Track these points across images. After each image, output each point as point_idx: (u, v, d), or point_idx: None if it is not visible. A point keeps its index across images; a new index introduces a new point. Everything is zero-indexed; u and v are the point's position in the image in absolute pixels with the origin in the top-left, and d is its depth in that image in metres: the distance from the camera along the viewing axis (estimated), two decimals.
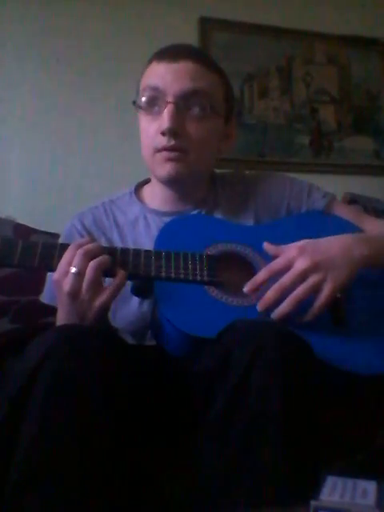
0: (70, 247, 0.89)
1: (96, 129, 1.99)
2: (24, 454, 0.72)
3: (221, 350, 0.80)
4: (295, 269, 0.90)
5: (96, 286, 0.87)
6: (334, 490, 0.58)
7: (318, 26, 2.30)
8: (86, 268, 0.86)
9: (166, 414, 0.91)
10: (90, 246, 0.89)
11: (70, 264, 0.87)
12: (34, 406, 0.74)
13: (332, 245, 0.95)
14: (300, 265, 0.90)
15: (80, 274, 0.86)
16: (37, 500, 0.71)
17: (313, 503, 0.56)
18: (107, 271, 0.89)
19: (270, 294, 0.89)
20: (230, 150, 1.17)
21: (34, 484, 0.71)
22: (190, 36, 2.10)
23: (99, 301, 0.87)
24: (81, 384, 0.75)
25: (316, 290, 0.90)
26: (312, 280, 0.89)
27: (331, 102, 2.34)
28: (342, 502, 0.56)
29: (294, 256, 0.91)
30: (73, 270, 0.86)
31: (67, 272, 0.86)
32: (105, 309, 0.90)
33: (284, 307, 0.88)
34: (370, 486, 0.60)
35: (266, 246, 0.98)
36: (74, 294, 0.86)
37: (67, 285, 0.86)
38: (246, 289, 0.92)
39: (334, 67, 2.36)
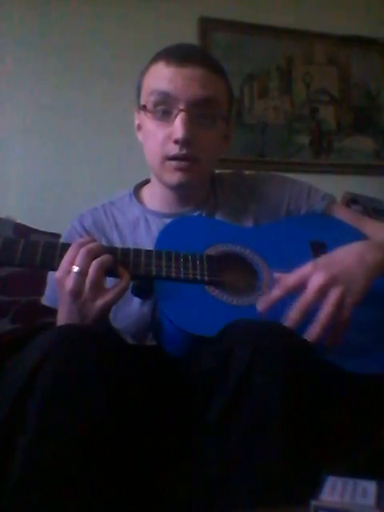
0: (71, 246, 0.89)
1: (96, 129, 1.99)
2: (24, 454, 0.72)
3: (221, 349, 0.80)
4: (313, 285, 0.87)
5: (98, 286, 0.87)
6: (334, 489, 0.58)
7: (318, 26, 2.30)
8: (88, 267, 0.86)
9: (166, 413, 0.91)
10: (92, 245, 0.89)
11: (72, 263, 0.87)
12: (34, 406, 0.74)
13: (345, 255, 0.93)
14: (317, 280, 0.87)
15: (82, 273, 0.86)
16: (37, 500, 0.71)
17: (313, 503, 0.56)
18: (109, 271, 0.89)
19: (292, 315, 0.86)
20: (227, 149, 1.17)
21: (34, 484, 0.71)
22: (190, 36, 2.10)
23: (101, 301, 0.87)
24: (81, 384, 0.75)
25: (340, 305, 0.87)
26: (333, 296, 0.86)
27: (331, 101, 2.34)
28: (342, 502, 0.56)
29: (309, 271, 0.89)
30: (75, 268, 0.86)
31: (69, 271, 0.86)
32: (106, 310, 0.90)
33: (315, 332, 0.85)
34: (370, 486, 0.60)
35: (277, 276, 0.94)
36: (76, 293, 0.86)
37: (69, 283, 0.86)
38: (260, 307, 0.89)
39: (334, 67, 2.36)
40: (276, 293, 0.89)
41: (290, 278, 0.90)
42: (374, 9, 2.35)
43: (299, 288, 0.88)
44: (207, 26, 2.17)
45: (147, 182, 1.18)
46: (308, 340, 0.84)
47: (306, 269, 0.90)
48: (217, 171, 1.21)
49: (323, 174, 2.20)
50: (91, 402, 0.75)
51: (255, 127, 2.22)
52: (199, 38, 2.14)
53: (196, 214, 1.12)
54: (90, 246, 0.88)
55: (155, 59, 1.05)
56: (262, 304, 0.89)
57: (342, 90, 2.36)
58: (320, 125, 2.31)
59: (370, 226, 1.15)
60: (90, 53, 2.02)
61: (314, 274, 0.88)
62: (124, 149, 1.88)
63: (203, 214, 1.12)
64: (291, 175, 1.23)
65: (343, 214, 1.17)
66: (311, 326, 0.85)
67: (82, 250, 0.87)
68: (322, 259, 0.93)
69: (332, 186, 1.33)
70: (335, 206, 1.19)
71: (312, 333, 0.85)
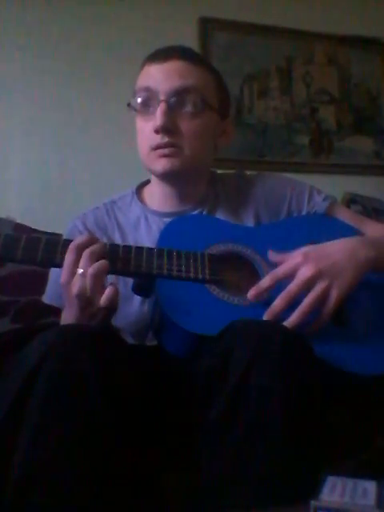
0: (71, 248, 0.88)
1: (96, 129, 1.99)
2: (24, 453, 0.72)
3: (221, 349, 0.80)
4: (300, 277, 0.89)
5: (102, 287, 0.86)
6: (333, 489, 0.59)
7: (318, 26, 2.30)
8: (92, 270, 0.86)
9: (166, 413, 0.91)
10: (94, 247, 0.88)
11: (76, 265, 0.86)
12: (34, 406, 0.74)
13: (336, 249, 0.95)
14: (305, 272, 0.89)
15: (86, 276, 0.86)
16: (37, 500, 0.71)
17: (313, 503, 0.56)
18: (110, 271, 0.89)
19: (277, 303, 0.88)
20: (227, 146, 1.17)
21: (34, 484, 0.71)
22: (190, 36, 2.09)
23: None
24: (80, 384, 0.75)
25: (323, 298, 0.89)
26: (318, 288, 0.89)
27: (331, 101, 2.34)
28: (342, 501, 0.56)
29: (298, 263, 0.91)
30: (80, 271, 0.86)
31: (74, 273, 0.86)
32: (113, 309, 0.90)
33: (293, 320, 0.87)
34: (370, 486, 0.60)
35: (271, 254, 0.98)
36: (83, 295, 0.85)
37: (75, 286, 0.85)
38: (250, 295, 0.91)
39: (334, 67, 2.36)
40: (265, 282, 0.92)
41: (280, 269, 0.92)
42: (374, 9, 2.35)
43: (288, 278, 0.91)
44: (207, 25, 2.16)
45: (149, 181, 1.18)
46: (287, 326, 0.86)
47: (296, 259, 0.92)
48: (218, 171, 1.21)
49: (323, 174, 2.19)
50: (91, 401, 0.75)
51: (255, 127, 2.22)
52: (199, 38, 2.14)
53: (196, 212, 1.12)
54: (93, 248, 0.88)
55: (142, 63, 1.09)
56: (251, 292, 0.91)
57: (342, 90, 2.36)
58: (320, 125, 2.31)
59: (371, 227, 1.15)
60: (89, 53, 2.02)
61: (302, 265, 0.91)
62: (124, 150, 1.87)
63: (203, 213, 1.12)
64: (291, 175, 1.23)
65: (344, 215, 1.17)
66: (292, 314, 0.88)
67: (86, 253, 0.87)
68: (313, 251, 0.94)
69: (332, 186, 1.33)
70: (336, 206, 1.19)
71: (291, 320, 0.87)
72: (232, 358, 0.77)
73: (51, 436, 0.73)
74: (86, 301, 0.86)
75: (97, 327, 0.88)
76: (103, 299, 0.85)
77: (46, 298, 1.11)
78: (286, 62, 2.29)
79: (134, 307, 1.04)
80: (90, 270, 0.85)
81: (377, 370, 0.91)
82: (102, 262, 0.87)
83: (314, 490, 0.58)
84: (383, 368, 0.92)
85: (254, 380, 0.75)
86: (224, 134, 1.14)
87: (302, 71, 2.31)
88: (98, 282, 0.86)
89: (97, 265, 0.86)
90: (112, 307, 0.88)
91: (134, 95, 1.08)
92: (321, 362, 0.85)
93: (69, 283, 0.86)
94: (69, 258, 0.87)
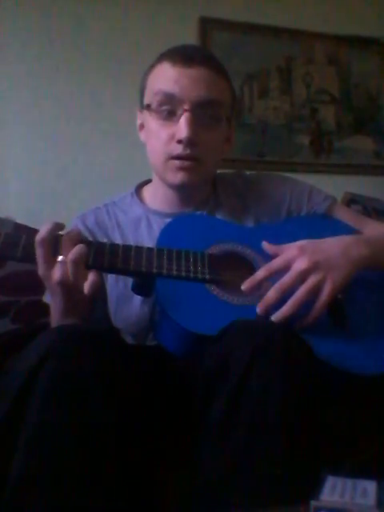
0: (37, 241, 0.87)
1: (96, 129, 1.99)
2: (24, 453, 0.72)
3: (221, 349, 0.80)
4: (295, 269, 0.90)
5: (83, 273, 0.86)
6: (333, 489, 0.59)
7: (318, 26, 2.29)
8: (70, 255, 0.86)
9: (166, 413, 0.91)
10: (70, 233, 0.88)
11: (47, 257, 0.86)
12: (34, 405, 0.74)
13: (331, 245, 0.95)
14: (299, 265, 0.90)
15: (65, 262, 0.86)
16: (37, 499, 0.71)
17: (313, 503, 0.56)
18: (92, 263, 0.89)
19: (271, 294, 0.88)
20: (229, 152, 1.17)
21: (34, 483, 0.71)
22: (190, 36, 2.09)
23: (87, 284, 0.87)
24: (80, 384, 0.75)
25: (316, 290, 0.89)
26: (312, 280, 0.89)
27: (331, 101, 2.34)
28: (342, 501, 0.56)
29: (294, 255, 0.91)
30: (60, 258, 0.86)
31: (49, 265, 0.86)
32: (95, 296, 0.90)
33: (285, 310, 0.87)
34: (370, 486, 0.60)
35: (265, 245, 0.99)
36: (65, 283, 0.86)
37: (57, 274, 0.86)
38: (244, 287, 0.91)
39: (334, 67, 2.36)
40: (260, 274, 0.91)
41: (275, 261, 0.92)
42: (374, 9, 2.35)
43: (283, 270, 0.91)
44: (207, 26, 2.16)
45: (148, 181, 1.18)
46: (274, 320, 0.86)
47: (291, 252, 0.92)
48: (218, 171, 1.21)
49: (323, 174, 2.20)
50: (90, 401, 0.75)
51: (255, 127, 2.22)
52: (199, 38, 2.14)
53: (197, 213, 1.12)
54: (70, 234, 0.88)
55: (160, 59, 1.06)
56: (246, 285, 0.91)
57: (342, 90, 2.36)
58: (320, 125, 2.31)
59: (371, 227, 1.15)
60: (90, 53, 2.02)
61: (298, 258, 0.91)
62: (124, 150, 1.88)
63: (204, 213, 1.12)
64: (291, 175, 1.23)
65: (344, 215, 1.18)
66: (285, 305, 0.87)
67: (63, 241, 0.87)
68: (309, 245, 0.94)
69: (332, 186, 1.33)
70: (336, 206, 1.19)
71: (283, 310, 0.87)
72: (232, 358, 0.77)
73: (51, 435, 0.73)
74: (68, 287, 0.86)
75: (96, 327, 0.88)
76: (86, 287, 0.86)
77: (47, 298, 1.11)
78: (286, 61, 2.29)
79: (134, 308, 1.04)
80: (70, 256, 0.86)
81: (377, 369, 0.91)
82: (80, 246, 0.87)
83: (314, 489, 0.58)
84: (383, 368, 0.92)
85: (254, 380, 0.75)
86: (227, 141, 1.13)
87: (301, 71, 2.31)
88: (79, 267, 0.86)
89: (75, 250, 0.86)
90: (95, 294, 0.88)
91: (150, 95, 1.05)
92: (320, 362, 0.85)
93: (47, 275, 0.87)
94: (38, 252, 0.87)
